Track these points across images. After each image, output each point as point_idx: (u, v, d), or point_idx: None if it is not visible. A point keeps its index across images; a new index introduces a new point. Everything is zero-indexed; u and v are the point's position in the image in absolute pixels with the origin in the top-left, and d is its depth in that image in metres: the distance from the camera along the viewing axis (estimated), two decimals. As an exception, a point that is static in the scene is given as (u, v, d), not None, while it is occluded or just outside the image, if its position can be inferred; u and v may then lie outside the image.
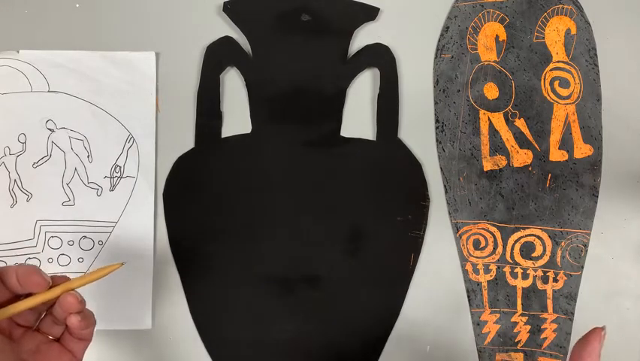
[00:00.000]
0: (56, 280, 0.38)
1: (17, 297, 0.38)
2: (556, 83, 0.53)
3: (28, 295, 0.38)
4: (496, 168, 0.53)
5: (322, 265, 0.52)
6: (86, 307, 0.39)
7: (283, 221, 0.52)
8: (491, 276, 0.53)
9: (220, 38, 0.53)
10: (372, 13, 0.54)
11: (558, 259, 0.52)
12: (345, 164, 0.53)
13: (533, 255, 0.52)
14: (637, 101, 0.54)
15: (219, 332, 0.52)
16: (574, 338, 0.52)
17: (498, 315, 0.52)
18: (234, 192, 0.52)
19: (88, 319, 0.39)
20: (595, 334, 0.36)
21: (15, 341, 0.38)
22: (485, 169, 0.53)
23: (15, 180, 0.52)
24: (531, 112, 0.53)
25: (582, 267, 0.52)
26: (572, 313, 0.52)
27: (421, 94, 0.54)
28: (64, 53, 0.53)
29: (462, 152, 0.53)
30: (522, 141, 0.53)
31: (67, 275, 0.40)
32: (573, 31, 0.54)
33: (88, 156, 0.52)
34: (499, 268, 0.53)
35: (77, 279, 0.38)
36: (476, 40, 0.54)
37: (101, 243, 0.52)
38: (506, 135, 0.53)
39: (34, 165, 0.52)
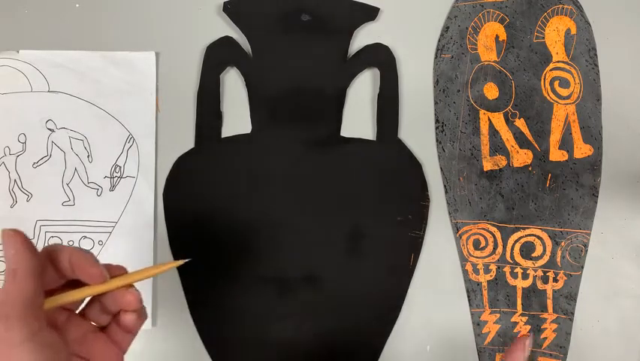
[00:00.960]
0: (112, 271, 0.34)
1: (59, 274, 0.34)
2: (556, 83, 0.53)
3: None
4: (496, 168, 0.53)
5: (322, 265, 0.52)
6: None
7: (283, 221, 0.52)
8: (491, 276, 0.53)
9: (220, 38, 0.53)
10: (372, 13, 0.54)
11: (558, 259, 0.52)
12: (345, 164, 0.53)
13: (533, 255, 0.52)
14: (637, 101, 0.54)
15: (219, 332, 0.52)
16: (574, 338, 0.52)
17: (498, 315, 0.52)
18: (234, 192, 0.52)
19: (144, 316, 0.36)
20: (519, 343, 0.37)
21: (60, 328, 0.34)
22: (485, 169, 0.53)
23: (15, 180, 0.52)
24: (531, 112, 0.53)
25: (582, 267, 0.52)
26: (572, 314, 0.52)
27: (421, 94, 0.54)
28: (64, 53, 0.53)
29: (462, 152, 0.53)
30: (522, 141, 0.53)
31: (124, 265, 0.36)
32: (573, 31, 0.54)
33: (88, 156, 0.52)
34: (499, 268, 0.53)
35: (136, 273, 0.35)
36: (476, 40, 0.54)
37: (101, 243, 0.52)
38: (506, 135, 0.53)
39: (34, 165, 0.52)
